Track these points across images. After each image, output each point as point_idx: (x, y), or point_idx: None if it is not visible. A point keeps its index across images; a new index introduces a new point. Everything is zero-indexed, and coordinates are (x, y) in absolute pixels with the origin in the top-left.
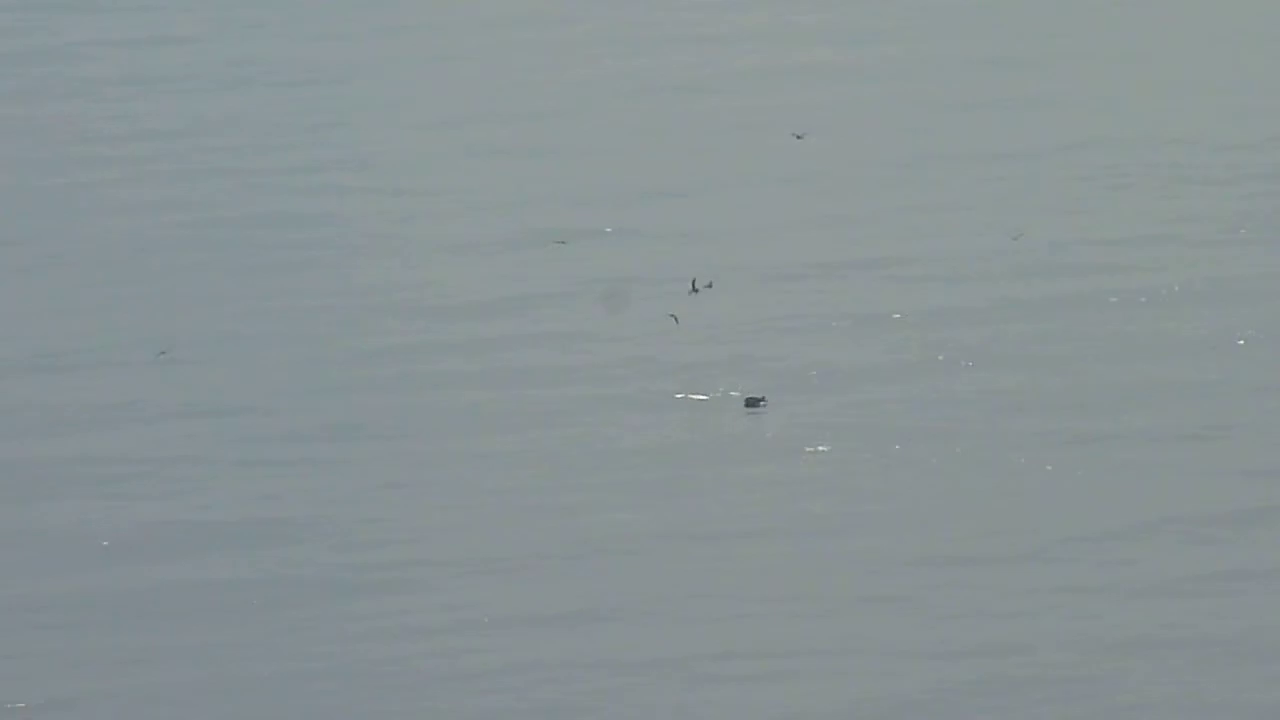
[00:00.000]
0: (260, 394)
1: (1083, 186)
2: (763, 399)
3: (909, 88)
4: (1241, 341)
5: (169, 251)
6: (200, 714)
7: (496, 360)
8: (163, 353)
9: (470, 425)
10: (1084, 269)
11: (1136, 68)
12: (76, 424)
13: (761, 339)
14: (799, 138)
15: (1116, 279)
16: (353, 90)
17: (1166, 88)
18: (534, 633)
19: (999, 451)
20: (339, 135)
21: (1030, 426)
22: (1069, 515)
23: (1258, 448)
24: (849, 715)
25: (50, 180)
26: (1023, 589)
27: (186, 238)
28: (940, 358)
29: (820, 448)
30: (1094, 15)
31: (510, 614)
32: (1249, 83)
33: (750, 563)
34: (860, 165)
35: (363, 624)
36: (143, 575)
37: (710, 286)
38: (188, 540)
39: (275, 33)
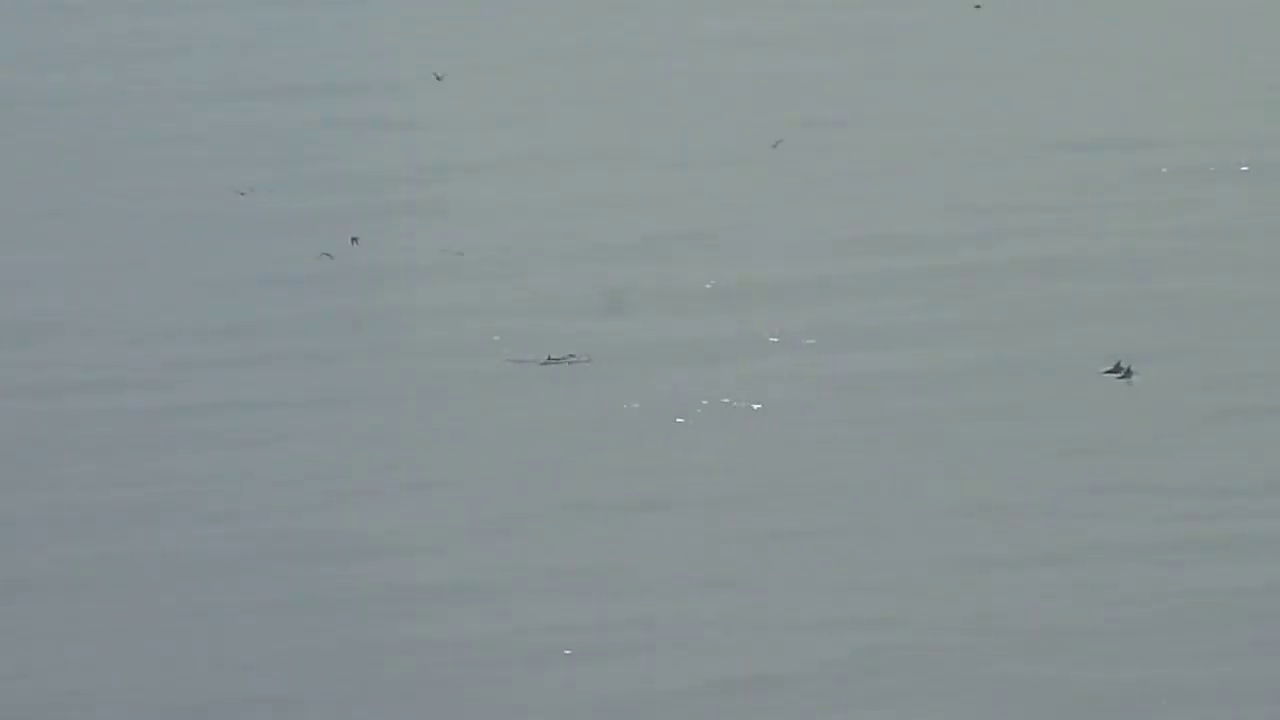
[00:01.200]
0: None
1: (990, 158)
2: (573, 356)
3: (822, 60)
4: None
5: (38, 226)
6: (154, 688)
7: (378, 335)
8: None
9: (357, 400)
10: (960, 241)
11: (1054, 42)
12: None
13: (626, 309)
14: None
15: (1002, 249)
16: (237, 60)
17: (1077, 62)
18: (386, 612)
19: (872, 426)
20: (215, 109)
21: (904, 402)
22: (943, 490)
23: (1155, 419)
24: (712, 691)
25: None
26: (894, 563)
27: (41, 210)
28: (813, 330)
29: (679, 420)
30: None
31: (378, 592)
32: (1156, 58)
33: (616, 537)
34: (747, 136)
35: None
36: (123, 545)
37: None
38: (117, 515)
39: (161, 5)
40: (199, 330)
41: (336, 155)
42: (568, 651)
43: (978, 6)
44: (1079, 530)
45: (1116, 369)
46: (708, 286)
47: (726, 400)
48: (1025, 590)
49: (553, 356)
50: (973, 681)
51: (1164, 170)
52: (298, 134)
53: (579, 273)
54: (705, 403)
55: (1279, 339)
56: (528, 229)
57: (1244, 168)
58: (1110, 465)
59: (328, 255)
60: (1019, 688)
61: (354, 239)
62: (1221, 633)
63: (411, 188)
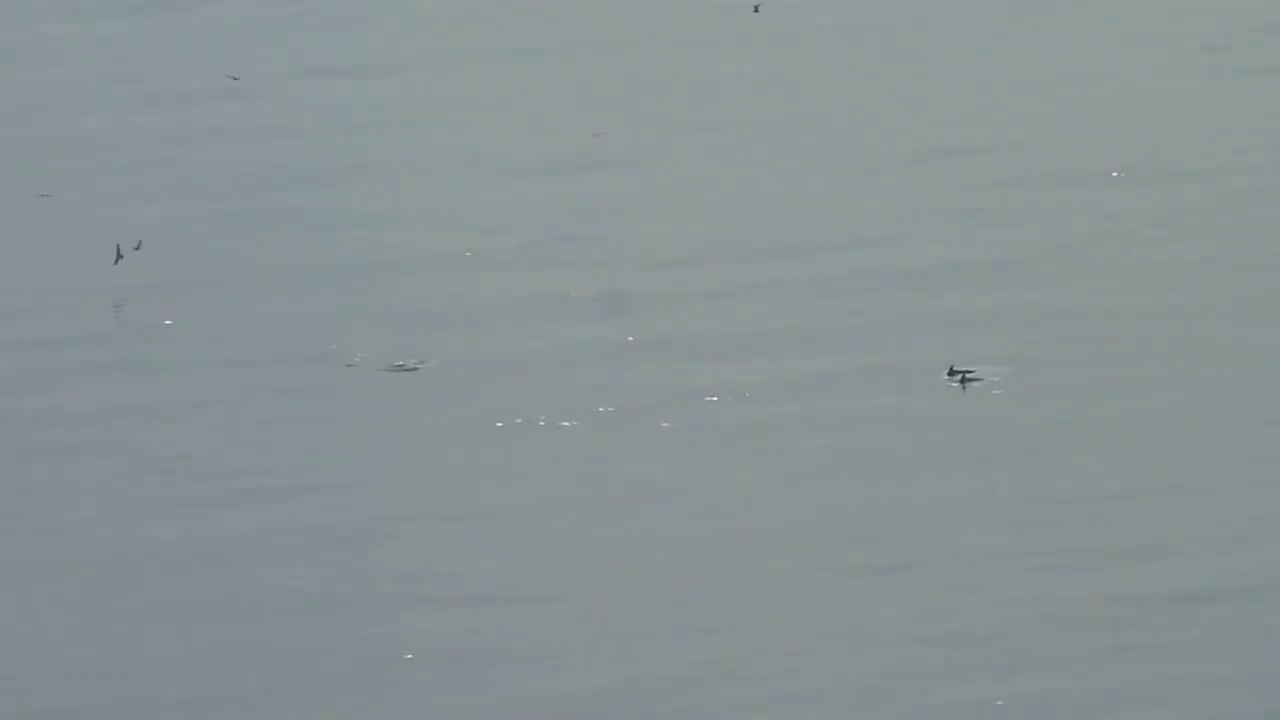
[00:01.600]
0: None
1: (848, 167)
2: (423, 361)
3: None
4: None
5: None
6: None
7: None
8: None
9: (190, 409)
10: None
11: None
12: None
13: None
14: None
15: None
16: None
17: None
18: (230, 619)
19: (721, 434)
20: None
21: (753, 410)
22: (791, 498)
23: (1001, 428)
24: (560, 698)
25: None
26: (744, 571)
27: None
28: (661, 339)
29: (521, 427)
30: None
31: (219, 600)
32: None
33: (460, 546)
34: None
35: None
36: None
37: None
38: None
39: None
40: (34, 339)
41: (163, 164)
42: (409, 658)
43: (756, 9)
44: (927, 537)
45: (952, 373)
46: (552, 295)
47: (573, 408)
48: (874, 598)
49: (394, 364)
50: (823, 688)
51: (1025, 179)
52: (113, 140)
53: (421, 282)
54: (551, 410)
55: (1130, 346)
56: (369, 238)
57: (1115, 174)
58: (957, 473)
59: (121, 256)
60: (869, 695)
61: (137, 245)
62: (1070, 640)
63: (251, 195)
